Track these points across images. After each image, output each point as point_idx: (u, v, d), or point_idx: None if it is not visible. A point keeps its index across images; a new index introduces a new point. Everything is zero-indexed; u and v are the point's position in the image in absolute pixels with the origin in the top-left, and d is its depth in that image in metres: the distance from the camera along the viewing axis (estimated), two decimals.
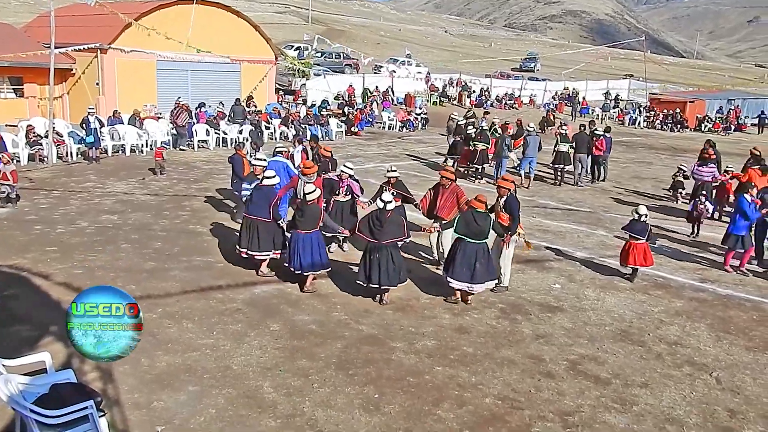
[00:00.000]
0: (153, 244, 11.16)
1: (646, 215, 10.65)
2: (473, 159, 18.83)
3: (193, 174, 17.58)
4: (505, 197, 9.78)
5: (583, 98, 44.11)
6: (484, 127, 19.59)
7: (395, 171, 11.04)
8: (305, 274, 9.26)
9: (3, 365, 5.59)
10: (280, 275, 9.79)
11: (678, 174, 17.92)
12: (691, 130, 39.63)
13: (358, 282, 9.11)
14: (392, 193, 10.71)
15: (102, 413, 5.32)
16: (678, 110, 40.72)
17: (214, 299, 8.93)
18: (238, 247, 9.91)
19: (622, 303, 9.74)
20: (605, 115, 41.06)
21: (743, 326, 9.10)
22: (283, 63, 31.30)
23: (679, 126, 39.49)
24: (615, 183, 19.91)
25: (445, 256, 10.17)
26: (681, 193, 17.74)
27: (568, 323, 8.85)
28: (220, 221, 12.84)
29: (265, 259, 9.80)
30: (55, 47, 18.74)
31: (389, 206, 8.97)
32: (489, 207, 9.54)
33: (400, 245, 9.42)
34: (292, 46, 44.08)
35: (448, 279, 9.10)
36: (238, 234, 10.21)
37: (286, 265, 9.42)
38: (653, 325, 8.94)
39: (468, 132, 19.45)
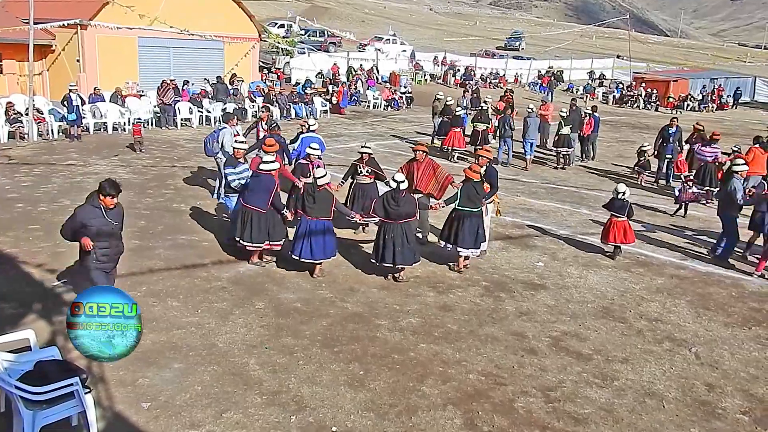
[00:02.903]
0: (137, 223, 11.08)
1: (625, 193, 10.76)
2: (475, 140, 18.50)
3: (176, 152, 17.45)
4: (485, 167, 10.15)
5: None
6: (484, 107, 19.49)
7: (368, 147, 11.06)
8: (316, 261, 9.04)
9: None
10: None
11: (644, 154, 17.25)
12: (682, 110, 39.74)
13: (372, 261, 9.24)
14: (367, 171, 10.76)
15: (87, 390, 5.34)
16: (649, 89, 41.33)
17: (198, 278, 8.92)
18: (232, 236, 9.46)
19: (604, 280, 9.85)
20: (587, 95, 40.96)
21: (722, 302, 9.25)
22: (267, 40, 30.92)
23: (649, 104, 40.11)
24: (599, 161, 20.01)
25: (424, 228, 10.80)
26: (645, 173, 17.31)
27: (550, 300, 8.95)
28: (205, 200, 12.77)
29: (257, 251, 9.39)
30: (35, 23, 18.39)
31: (402, 185, 9.00)
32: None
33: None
34: (276, 24, 43.57)
35: (459, 249, 9.52)
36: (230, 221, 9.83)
37: (296, 257, 8.97)
38: (634, 302, 9.07)
39: (456, 112, 19.42)
